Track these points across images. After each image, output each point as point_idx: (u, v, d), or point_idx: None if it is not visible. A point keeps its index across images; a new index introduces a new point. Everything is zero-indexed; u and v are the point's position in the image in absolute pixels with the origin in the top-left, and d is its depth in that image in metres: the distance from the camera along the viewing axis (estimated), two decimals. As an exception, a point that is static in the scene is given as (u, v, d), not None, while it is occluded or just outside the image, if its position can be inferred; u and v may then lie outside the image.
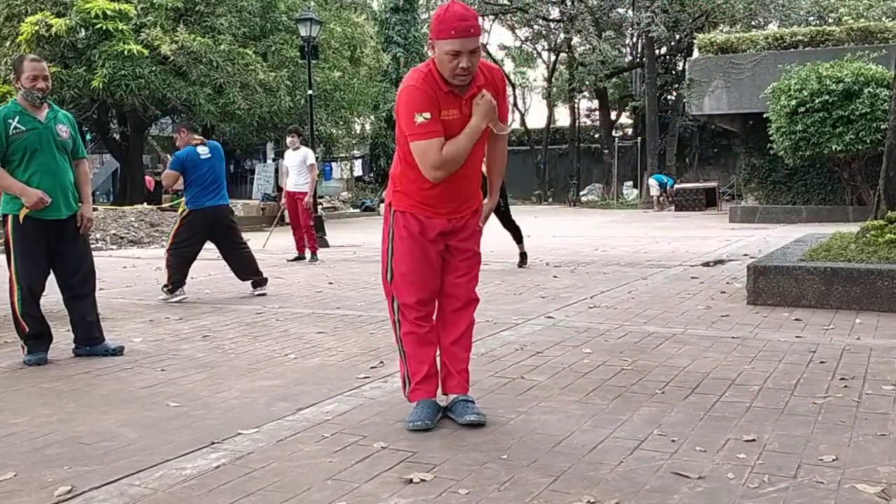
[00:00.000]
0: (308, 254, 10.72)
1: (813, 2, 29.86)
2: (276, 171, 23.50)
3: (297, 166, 10.68)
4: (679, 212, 23.97)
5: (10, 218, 4.62)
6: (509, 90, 45.32)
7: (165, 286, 7.12)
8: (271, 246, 12.61)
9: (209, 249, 7.57)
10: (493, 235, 9.64)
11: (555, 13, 33.90)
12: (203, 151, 7.25)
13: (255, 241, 9.92)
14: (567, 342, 4.92)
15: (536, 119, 43.24)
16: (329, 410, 3.55)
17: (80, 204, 4.79)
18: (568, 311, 6.13)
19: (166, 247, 7.29)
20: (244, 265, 7.46)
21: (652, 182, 26.47)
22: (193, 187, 7.17)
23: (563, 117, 42.34)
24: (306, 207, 10.62)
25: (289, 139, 10.88)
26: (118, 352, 4.85)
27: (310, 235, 10.81)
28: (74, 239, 4.76)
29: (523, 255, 9.29)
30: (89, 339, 4.87)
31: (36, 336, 4.74)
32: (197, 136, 7.39)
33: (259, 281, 7.47)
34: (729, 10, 28.80)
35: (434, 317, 3.43)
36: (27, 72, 4.55)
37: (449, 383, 3.41)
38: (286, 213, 10.90)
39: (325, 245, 13.13)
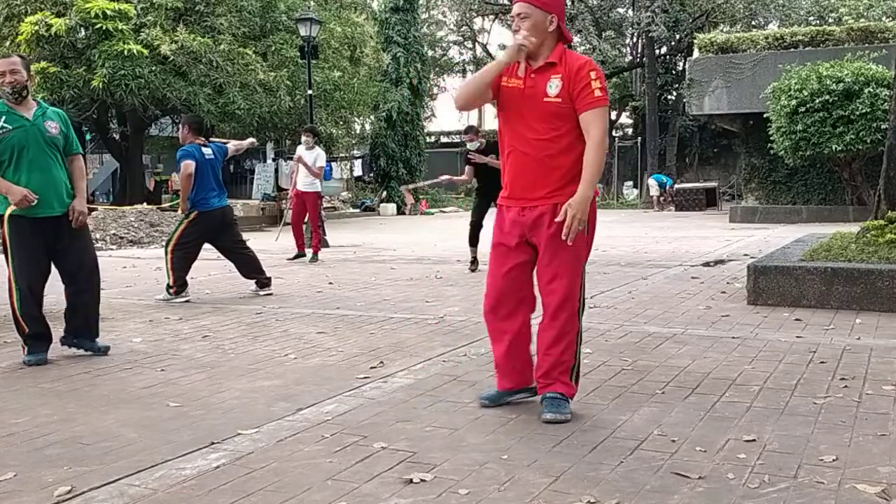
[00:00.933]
0: (309, 253, 10.71)
1: (813, 2, 29.87)
2: (276, 170, 23.47)
3: (310, 165, 10.65)
4: (679, 212, 23.97)
5: (5, 218, 4.61)
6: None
7: (171, 287, 7.10)
8: (271, 246, 12.61)
9: (209, 249, 7.57)
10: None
11: (555, 13, 33.86)
12: (207, 152, 7.27)
13: (255, 242, 9.89)
14: (567, 342, 4.91)
15: (536, 119, 43.18)
16: (329, 410, 3.55)
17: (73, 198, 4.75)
18: (568, 311, 6.12)
19: (169, 247, 7.22)
20: (248, 264, 7.48)
21: (651, 182, 26.46)
22: (200, 188, 7.14)
23: (563, 117, 42.30)
24: (320, 206, 10.72)
25: (304, 137, 10.82)
26: (103, 351, 4.86)
27: (315, 235, 10.80)
28: (73, 235, 4.72)
29: None
30: (82, 331, 4.84)
31: (36, 336, 4.73)
32: (200, 138, 7.38)
33: (264, 281, 7.47)
34: (729, 9, 28.81)
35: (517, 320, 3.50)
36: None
37: (537, 387, 3.48)
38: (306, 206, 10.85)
39: (326, 245, 13.11)
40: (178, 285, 7.08)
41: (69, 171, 4.79)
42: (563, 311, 3.32)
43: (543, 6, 3.26)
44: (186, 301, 7.00)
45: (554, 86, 3.23)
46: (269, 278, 7.53)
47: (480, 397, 3.59)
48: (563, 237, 3.17)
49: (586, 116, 3.20)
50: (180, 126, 7.66)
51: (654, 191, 26.09)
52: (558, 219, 3.19)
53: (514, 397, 3.56)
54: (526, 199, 3.32)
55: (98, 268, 4.93)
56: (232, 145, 7.77)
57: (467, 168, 9.16)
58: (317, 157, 10.73)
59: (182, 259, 7.14)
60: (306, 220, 11.01)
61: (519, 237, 3.36)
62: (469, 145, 9.19)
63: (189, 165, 7.06)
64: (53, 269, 4.81)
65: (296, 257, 10.68)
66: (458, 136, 39.64)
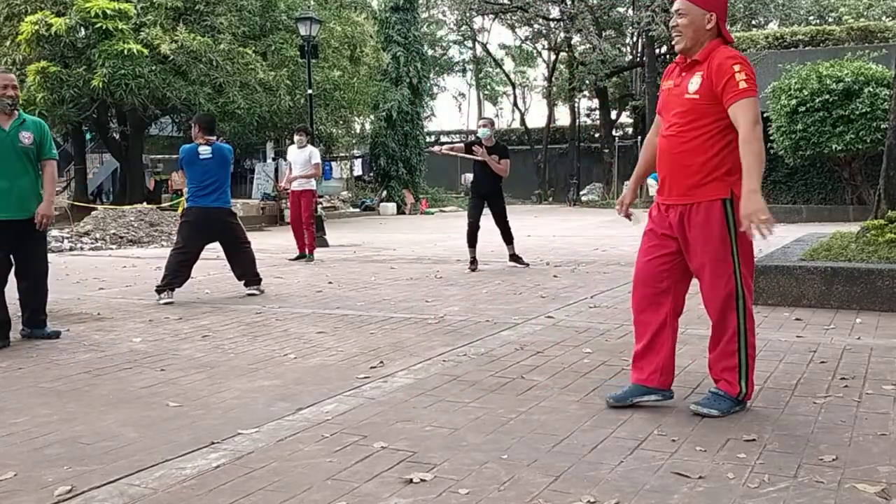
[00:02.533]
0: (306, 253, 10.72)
1: (813, 1, 29.85)
2: (277, 170, 23.48)
3: (301, 164, 10.67)
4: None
5: None
6: (508, 89, 44.78)
7: (157, 286, 7.13)
8: (271, 246, 12.61)
9: (209, 249, 7.56)
10: (492, 235, 9.65)
11: (555, 12, 33.88)
12: (204, 151, 7.28)
13: (254, 242, 9.88)
14: (567, 342, 4.92)
15: (536, 118, 43.26)
16: (329, 410, 3.55)
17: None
18: (568, 310, 6.13)
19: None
20: (244, 265, 7.47)
21: (651, 182, 26.44)
22: (190, 185, 7.34)
23: (563, 117, 42.34)
24: (314, 205, 10.77)
25: (297, 137, 10.82)
26: (55, 335, 5.31)
27: (309, 234, 10.81)
28: (32, 241, 5.19)
29: (513, 257, 9.27)
30: (33, 322, 5.32)
31: None
32: (205, 137, 7.39)
33: (252, 281, 7.46)
34: (729, 9, 28.81)
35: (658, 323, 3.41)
36: None
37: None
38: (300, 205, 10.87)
39: (325, 245, 13.12)
40: (164, 283, 7.05)
41: (42, 176, 5.27)
42: (723, 312, 3.30)
43: (703, 4, 3.24)
44: (169, 303, 6.91)
45: (695, 82, 3.21)
46: (260, 279, 7.53)
47: (608, 396, 3.49)
48: (752, 237, 3.12)
49: (734, 109, 3.13)
50: (192, 124, 7.72)
51: (654, 191, 26.09)
52: (742, 229, 3.11)
53: (646, 398, 3.43)
54: (667, 197, 3.34)
55: (47, 272, 5.43)
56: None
57: (462, 146, 9.17)
58: (310, 154, 10.74)
59: (176, 258, 7.16)
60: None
61: (668, 228, 3.36)
62: (480, 131, 9.21)
63: (178, 172, 7.46)
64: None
65: (298, 258, 10.69)
66: (457, 135, 39.68)
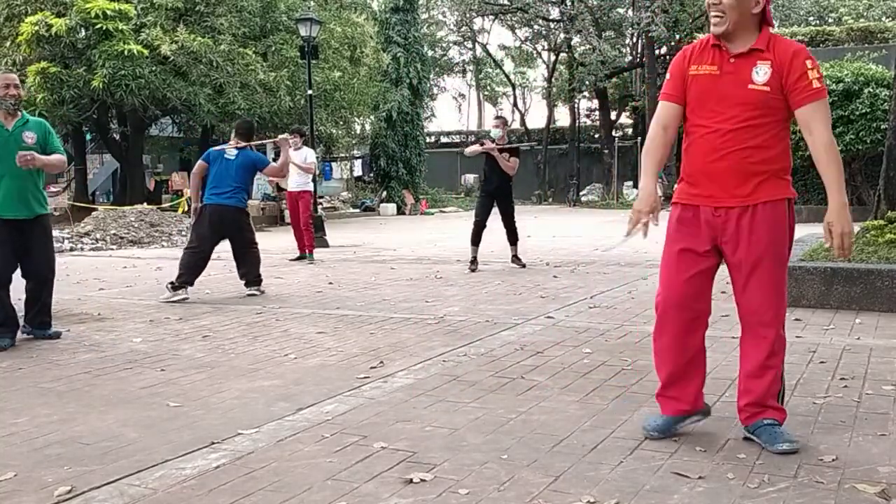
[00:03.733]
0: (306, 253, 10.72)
1: (813, 2, 29.86)
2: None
3: (297, 167, 10.65)
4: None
5: None
6: (508, 90, 44.67)
7: (171, 282, 7.14)
8: (271, 246, 12.60)
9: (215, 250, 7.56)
10: (493, 235, 9.65)
11: (555, 13, 33.90)
12: (230, 153, 7.53)
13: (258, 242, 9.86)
14: (567, 342, 4.92)
15: (536, 119, 43.20)
16: (329, 410, 3.55)
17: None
18: (568, 311, 6.13)
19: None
20: (249, 265, 7.49)
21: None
22: (209, 183, 7.47)
23: (563, 117, 42.33)
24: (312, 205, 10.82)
25: (292, 139, 10.81)
26: (56, 336, 5.33)
27: (308, 234, 10.80)
28: (38, 239, 5.22)
29: (516, 258, 9.26)
30: (36, 323, 5.33)
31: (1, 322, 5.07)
32: (241, 141, 7.66)
33: (253, 280, 7.47)
34: (729, 10, 28.76)
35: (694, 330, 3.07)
36: (0, 82, 5.08)
37: (741, 415, 3.05)
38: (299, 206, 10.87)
39: (325, 245, 13.12)
40: (180, 282, 7.10)
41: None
42: (772, 329, 2.95)
43: None
44: (183, 300, 6.99)
45: (762, 72, 2.85)
46: (260, 280, 7.55)
47: (647, 427, 3.11)
48: (838, 256, 2.86)
49: (806, 111, 2.83)
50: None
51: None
52: (826, 244, 2.87)
53: (686, 423, 3.12)
54: (720, 199, 2.92)
55: (54, 271, 5.43)
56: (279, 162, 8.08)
57: (477, 148, 9.16)
58: (305, 155, 10.77)
59: (190, 257, 7.24)
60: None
61: (711, 241, 2.96)
62: (492, 132, 9.22)
63: (198, 166, 7.56)
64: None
65: (298, 258, 10.70)
66: (457, 135, 39.70)
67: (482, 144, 9.01)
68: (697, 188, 2.96)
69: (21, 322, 5.30)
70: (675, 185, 3.12)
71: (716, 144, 2.90)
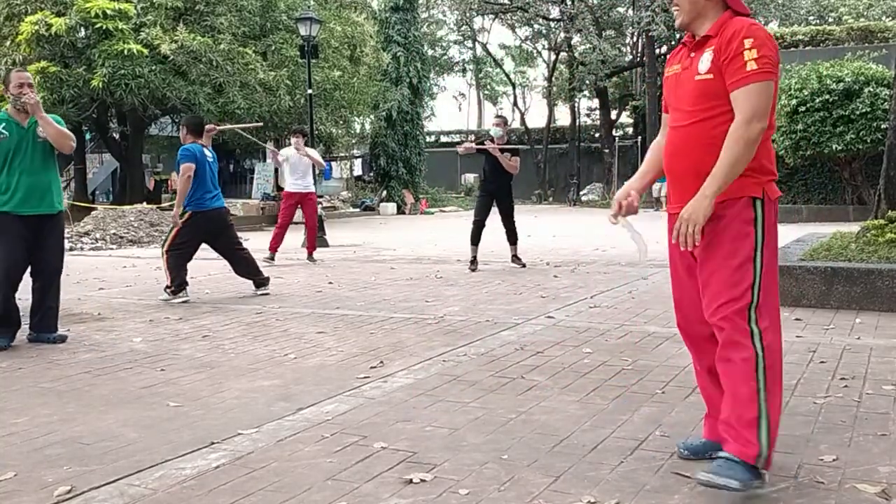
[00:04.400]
0: (304, 253, 10.66)
1: (813, 1, 29.85)
2: (276, 170, 23.48)
3: (301, 168, 10.51)
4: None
5: None
6: (508, 89, 44.64)
7: (168, 287, 7.09)
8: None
9: (208, 249, 7.56)
10: (493, 235, 9.65)
11: (555, 12, 33.90)
12: (208, 153, 7.32)
13: (254, 241, 9.89)
14: (567, 342, 4.92)
15: (536, 118, 43.19)
16: (329, 410, 3.55)
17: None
18: (568, 310, 6.13)
19: (164, 247, 7.23)
20: (245, 265, 7.48)
21: (654, 184, 26.41)
22: (198, 188, 7.16)
23: (563, 117, 42.34)
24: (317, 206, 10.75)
25: (294, 139, 10.65)
26: (61, 339, 5.26)
27: (312, 236, 10.75)
28: (51, 236, 5.21)
29: (516, 258, 9.26)
30: (41, 326, 5.26)
31: (2, 320, 5.04)
32: (197, 139, 7.35)
33: (261, 281, 7.47)
34: (729, 9, 28.76)
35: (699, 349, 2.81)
36: (14, 81, 5.08)
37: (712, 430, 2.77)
38: (305, 208, 10.72)
39: (325, 245, 13.11)
40: (176, 285, 7.06)
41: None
42: (732, 346, 2.54)
43: None
44: (185, 301, 6.98)
45: (706, 59, 2.58)
46: (267, 278, 7.53)
47: (680, 445, 2.88)
48: (673, 240, 2.61)
49: (735, 95, 2.51)
50: (180, 126, 7.66)
51: (656, 192, 26.06)
52: (672, 236, 2.62)
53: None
54: (680, 203, 2.64)
55: (61, 271, 5.42)
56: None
57: (473, 146, 9.19)
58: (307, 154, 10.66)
59: (178, 259, 7.13)
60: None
61: (683, 252, 2.70)
62: (492, 130, 9.22)
63: (189, 168, 7.08)
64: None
65: (269, 259, 10.03)
66: (457, 135, 39.70)
67: (482, 143, 9.02)
68: (671, 194, 2.77)
69: (28, 329, 5.25)
70: None
71: (675, 145, 2.71)
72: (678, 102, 2.71)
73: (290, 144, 11.03)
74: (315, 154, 10.65)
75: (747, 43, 2.48)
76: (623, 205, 2.91)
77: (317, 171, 11.00)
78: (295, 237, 11.30)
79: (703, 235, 2.56)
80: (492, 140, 9.03)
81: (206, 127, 7.63)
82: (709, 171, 2.52)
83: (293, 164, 10.52)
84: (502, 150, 8.90)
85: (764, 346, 2.53)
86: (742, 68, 2.48)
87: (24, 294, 5.37)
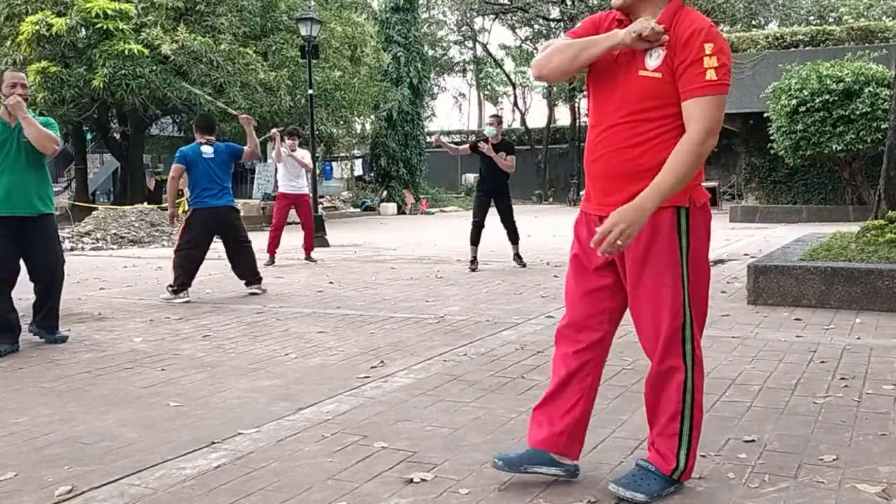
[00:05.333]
0: (301, 255, 10.63)
1: (813, 1, 29.85)
2: (277, 170, 23.51)
3: (294, 169, 10.47)
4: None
5: None
6: (508, 89, 44.63)
7: (170, 286, 7.11)
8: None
9: (211, 249, 7.56)
10: (493, 235, 9.65)
11: (555, 13, 33.91)
12: (207, 151, 7.29)
13: (254, 241, 9.82)
14: (567, 342, 4.91)
15: (537, 118, 43.16)
16: (329, 410, 3.55)
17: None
18: (568, 310, 6.12)
19: (174, 249, 7.35)
20: (245, 264, 7.46)
21: None
22: (195, 187, 7.26)
23: (563, 117, 42.29)
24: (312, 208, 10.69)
25: (289, 141, 10.52)
26: (62, 339, 5.24)
27: (309, 237, 10.72)
28: (42, 237, 5.11)
29: (517, 257, 9.25)
30: (43, 325, 5.24)
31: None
32: (204, 137, 7.39)
33: (252, 280, 7.46)
34: (729, 9, 28.76)
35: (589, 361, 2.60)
36: (6, 81, 5.02)
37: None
38: (299, 209, 10.71)
39: (326, 245, 13.12)
40: (178, 285, 7.07)
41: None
42: (663, 360, 2.46)
43: None
44: (186, 302, 6.98)
45: (656, 55, 2.36)
46: (261, 278, 7.53)
47: (495, 455, 2.68)
48: (593, 244, 2.38)
49: (691, 105, 2.32)
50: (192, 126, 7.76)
51: None
52: (593, 241, 2.38)
53: (545, 469, 2.61)
54: (607, 205, 2.43)
55: (62, 269, 5.29)
56: (248, 147, 7.60)
57: (467, 147, 9.19)
58: (302, 156, 10.53)
59: (184, 259, 7.14)
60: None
61: (602, 257, 2.48)
62: (486, 129, 9.21)
63: (175, 169, 7.30)
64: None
65: (267, 264, 9.87)
66: (458, 135, 39.69)
67: (475, 146, 9.01)
68: (591, 193, 2.55)
69: (30, 322, 5.26)
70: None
71: (597, 142, 2.48)
72: (605, 95, 2.46)
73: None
74: (300, 156, 10.44)
75: (708, 48, 2.29)
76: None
77: (308, 173, 10.87)
78: (296, 237, 11.29)
79: (634, 249, 2.41)
80: (486, 140, 9.01)
81: (242, 118, 7.75)
82: (641, 173, 2.37)
83: (287, 165, 10.47)
84: (497, 150, 8.88)
85: (694, 361, 2.48)
86: (701, 76, 2.30)
87: (27, 294, 5.38)
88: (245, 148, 7.60)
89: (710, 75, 2.30)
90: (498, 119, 9.50)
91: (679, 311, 2.43)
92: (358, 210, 26.71)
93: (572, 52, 2.44)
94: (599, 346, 2.58)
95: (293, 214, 10.91)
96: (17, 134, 5.02)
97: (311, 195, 10.82)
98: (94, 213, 16.53)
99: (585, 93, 2.62)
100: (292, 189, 10.51)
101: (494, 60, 43.73)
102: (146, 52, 17.40)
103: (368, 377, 4.14)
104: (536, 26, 36.68)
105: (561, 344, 2.64)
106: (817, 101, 15.47)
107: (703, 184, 2.66)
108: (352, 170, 30.26)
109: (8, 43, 18.20)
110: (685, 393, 2.48)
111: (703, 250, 2.49)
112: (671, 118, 2.38)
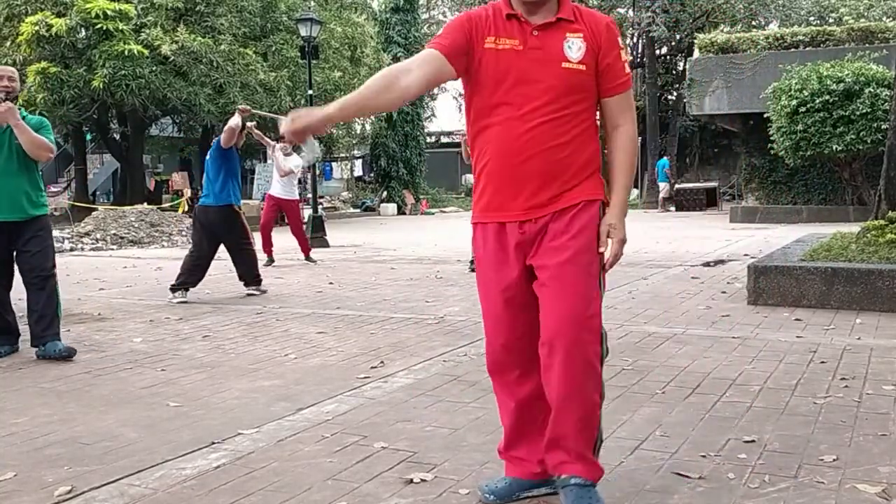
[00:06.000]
0: (300, 257, 10.62)
1: (813, 2, 29.86)
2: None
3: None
4: (679, 212, 23.97)
5: None
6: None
7: (171, 284, 7.14)
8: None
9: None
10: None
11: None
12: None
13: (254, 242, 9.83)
14: (567, 342, 4.91)
15: (537, 119, 43.12)
16: (329, 410, 3.55)
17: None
18: (568, 311, 6.11)
19: None
20: (245, 266, 7.45)
21: (662, 185, 26.40)
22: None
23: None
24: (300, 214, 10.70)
25: (281, 144, 10.30)
26: (62, 354, 4.71)
27: (302, 239, 10.67)
28: (32, 242, 4.81)
29: None
30: (39, 338, 4.78)
31: None
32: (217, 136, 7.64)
33: (252, 281, 7.46)
34: (729, 10, 28.80)
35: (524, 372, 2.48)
36: None
37: (550, 458, 2.43)
38: (287, 214, 10.70)
39: (326, 245, 13.12)
40: (178, 283, 7.09)
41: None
42: (579, 360, 2.32)
43: None
44: (183, 302, 6.95)
45: (576, 47, 2.28)
46: (260, 280, 7.53)
47: (482, 489, 2.53)
48: (610, 266, 2.42)
49: (615, 102, 2.35)
50: None
51: (664, 192, 26.08)
52: (602, 248, 2.36)
53: (539, 489, 2.54)
54: (529, 210, 2.33)
55: (54, 274, 4.92)
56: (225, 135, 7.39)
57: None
58: (297, 161, 10.43)
59: (189, 258, 7.24)
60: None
61: (521, 265, 2.37)
62: None
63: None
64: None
65: (266, 264, 9.86)
66: (458, 135, 39.69)
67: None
68: (500, 198, 2.36)
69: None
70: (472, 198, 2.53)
71: (522, 141, 2.29)
72: (523, 91, 2.29)
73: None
74: (280, 160, 10.24)
75: (621, 42, 2.34)
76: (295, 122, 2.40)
77: (296, 178, 10.74)
78: (293, 239, 11.27)
79: (554, 242, 2.31)
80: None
81: (240, 107, 7.70)
82: (573, 172, 2.31)
83: (276, 169, 10.40)
84: None
85: (602, 360, 2.41)
86: (623, 71, 2.33)
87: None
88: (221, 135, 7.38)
89: (627, 69, 2.35)
90: None
91: (597, 305, 2.37)
92: (358, 210, 26.73)
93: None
94: (535, 357, 2.40)
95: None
96: (10, 135, 4.76)
97: (299, 201, 10.74)
98: (93, 213, 16.53)
99: (465, 93, 2.40)
100: (278, 193, 10.46)
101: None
102: (146, 52, 17.41)
103: (368, 377, 4.13)
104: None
105: (494, 377, 2.51)
106: (817, 101, 15.47)
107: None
108: (351, 170, 30.28)
109: (8, 43, 18.21)
110: (600, 395, 2.42)
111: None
112: (589, 113, 2.35)
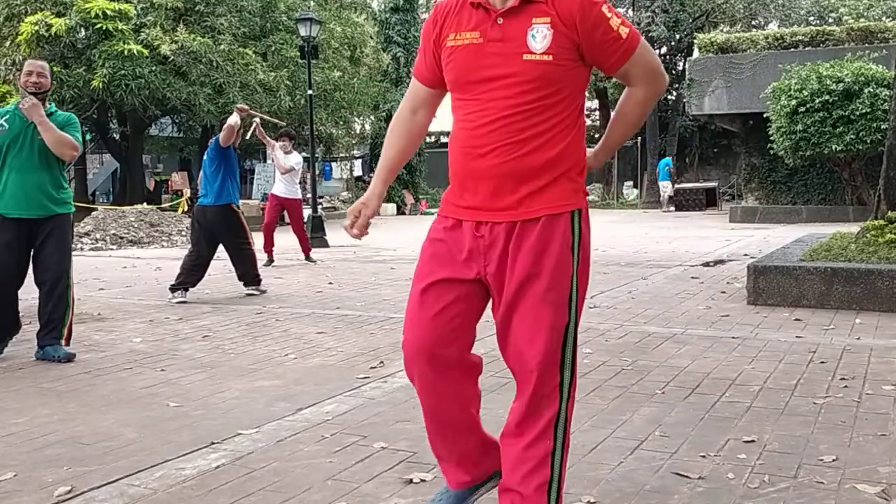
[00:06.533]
0: (301, 257, 10.62)
1: (813, 2, 29.87)
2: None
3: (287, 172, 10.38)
4: (679, 212, 23.97)
5: None
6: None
7: (171, 285, 7.14)
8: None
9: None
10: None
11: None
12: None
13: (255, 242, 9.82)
14: (567, 342, 4.91)
15: (536, 119, 43.16)
16: (329, 410, 3.55)
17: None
18: (568, 311, 6.11)
19: None
20: (244, 267, 7.44)
21: (663, 184, 26.41)
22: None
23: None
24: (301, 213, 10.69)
25: (280, 143, 10.36)
26: (64, 358, 4.67)
27: (303, 239, 10.67)
28: (49, 240, 4.73)
29: None
30: (46, 339, 4.75)
31: None
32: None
33: (251, 280, 7.45)
34: (729, 9, 28.83)
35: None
36: (24, 69, 4.75)
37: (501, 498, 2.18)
38: (285, 213, 10.70)
39: (325, 245, 13.12)
40: (177, 283, 7.08)
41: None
42: (537, 402, 2.15)
43: None
44: (181, 302, 6.94)
45: (541, 35, 2.03)
46: (260, 280, 7.52)
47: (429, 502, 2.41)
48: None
49: (622, 73, 2.12)
50: None
51: (667, 192, 26.08)
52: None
53: (477, 494, 2.34)
54: (481, 210, 2.13)
55: (67, 276, 4.84)
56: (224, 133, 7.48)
57: None
58: (297, 160, 10.47)
59: (189, 257, 7.24)
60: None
61: (473, 269, 2.18)
62: None
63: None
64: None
65: (266, 264, 9.81)
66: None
67: None
68: (460, 196, 2.19)
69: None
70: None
71: (477, 137, 2.10)
72: (482, 86, 2.10)
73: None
74: (280, 159, 10.23)
75: (606, 10, 2.04)
76: (356, 223, 2.44)
77: (298, 177, 10.73)
78: (293, 238, 11.27)
79: (521, 264, 2.10)
80: None
81: (238, 106, 7.78)
82: (523, 173, 2.07)
83: (278, 168, 10.42)
84: None
85: (570, 393, 2.18)
86: (618, 39, 2.05)
87: (32, 293, 5.34)
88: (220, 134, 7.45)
89: (623, 31, 2.05)
90: None
91: (562, 334, 2.12)
92: (357, 210, 26.66)
93: None
94: (463, 362, 2.28)
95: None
96: (33, 131, 4.66)
97: (301, 201, 10.73)
98: (93, 213, 16.53)
99: (452, 91, 2.26)
100: (281, 192, 10.44)
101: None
102: (146, 52, 17.41)
103: (368, 377, 4.13)
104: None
105: (414, 381, 2.30)
106: (817, 101, 15.48)
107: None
108: (351, 170, 30.26)
109: (7, 43, 18.20)
110: (557, 426, 2.15)
111: (589, 259, 2.19)
112: (562, 107, 2.08)
